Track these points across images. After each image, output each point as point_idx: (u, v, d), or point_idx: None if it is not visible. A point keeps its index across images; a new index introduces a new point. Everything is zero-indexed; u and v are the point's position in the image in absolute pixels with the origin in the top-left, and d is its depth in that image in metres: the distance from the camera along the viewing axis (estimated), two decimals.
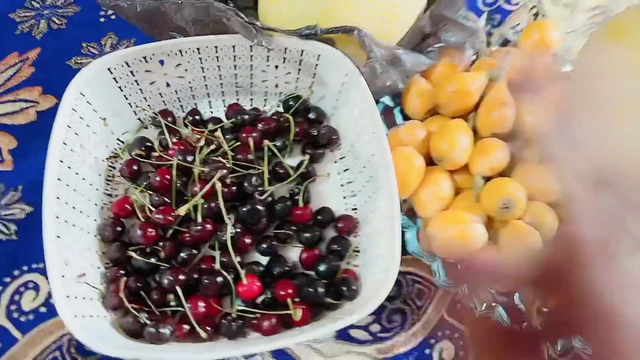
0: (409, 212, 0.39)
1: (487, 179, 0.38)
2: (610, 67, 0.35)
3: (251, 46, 0.38)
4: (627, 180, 0.36)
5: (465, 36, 0.42)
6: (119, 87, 0.39)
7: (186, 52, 0.38)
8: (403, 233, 0.37)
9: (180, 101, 0.42)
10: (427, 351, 0.37)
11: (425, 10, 0.42)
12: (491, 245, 0.36)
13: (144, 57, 0.38)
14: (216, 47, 0.38)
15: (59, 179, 0.33)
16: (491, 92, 0.39)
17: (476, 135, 0.39)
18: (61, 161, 0.33)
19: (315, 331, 0.30)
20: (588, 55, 0.38)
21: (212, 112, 0.43)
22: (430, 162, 0.39)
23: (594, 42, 0.38)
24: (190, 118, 0.41)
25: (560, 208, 0.37)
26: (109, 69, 0.38)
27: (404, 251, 0.36)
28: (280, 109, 0.43)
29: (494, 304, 0.35)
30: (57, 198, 0.32)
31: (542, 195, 0.37)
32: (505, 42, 0.47)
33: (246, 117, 0.41)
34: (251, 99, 0.44)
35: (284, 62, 0.40)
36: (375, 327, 0.37)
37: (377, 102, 0.41)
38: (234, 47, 0.39)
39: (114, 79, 0.38)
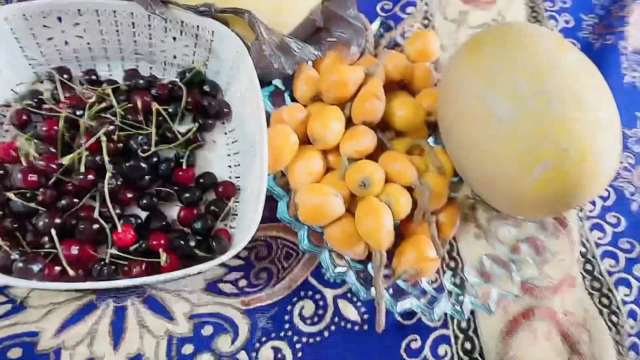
0: (286, 185, 0.43)
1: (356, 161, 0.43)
2: (463, 74, 0.41)
3: (149, 16, 0.41)
4: (470, 179, 0.42)
5: (353, 34, 0.47)
6: (16, 38, 0.40)
7: (84, 13, 0.40)
8: (276, 202, 0.41)
9: (78, 60, 0.44)
10: (288, 307, 0.41)
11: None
12: (347, 216, 0.41)
13: (42, 12, 0.39)
14: (114, 11, 0.41)
15: None
16: (366, 85, 0.45)
17: (351, 123, 0.45)
18: None
19: (175, 273, 0.34)
20: (452, 64, 0.44)
21: (110, 75, 0.45)
22: (307, 141, 0.44)
23: (458, 54, 0.44)
24: (87, 77, 0.43)
25: (414, 191, 0.43)
26: (5, 19, 0.39)
27: (276, 218, 0.40)
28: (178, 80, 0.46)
29: (346, 270, 0.41)
30: None
31: (399, 179, 0.43)
32: (394, 46, 0.53)
33: (141, 81, 0.43)
34: (150, 67, 0.46)
35: (181, 34, 0.43)
36: (243, 283, 0.41)
37: (269, 83, 0.45)
38: (132, 14, 0.41)
39: (11, 29, 0.40)
